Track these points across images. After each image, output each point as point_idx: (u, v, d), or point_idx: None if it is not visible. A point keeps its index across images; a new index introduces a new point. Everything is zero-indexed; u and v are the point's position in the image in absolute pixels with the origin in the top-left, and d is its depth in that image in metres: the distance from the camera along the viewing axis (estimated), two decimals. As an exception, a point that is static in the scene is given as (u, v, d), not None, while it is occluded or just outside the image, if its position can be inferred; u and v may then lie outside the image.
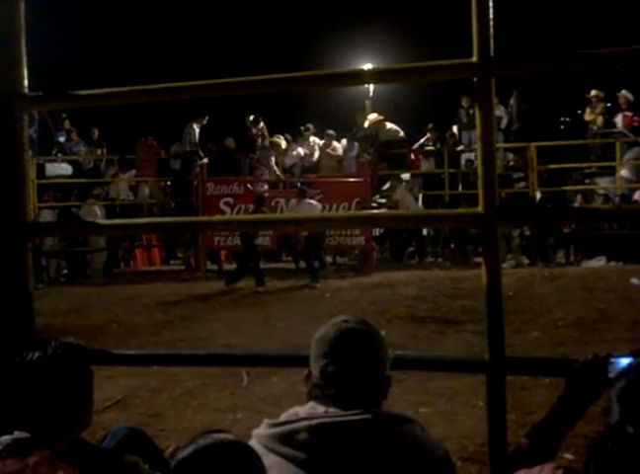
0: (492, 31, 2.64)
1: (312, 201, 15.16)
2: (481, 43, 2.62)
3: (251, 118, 19.13)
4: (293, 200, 16.08)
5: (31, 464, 1.35)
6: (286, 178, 18.41)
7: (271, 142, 18.96)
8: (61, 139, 20.24)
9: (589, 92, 19.04)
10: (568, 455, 4.58)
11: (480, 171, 2.67)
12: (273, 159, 18.67)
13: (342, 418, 2.29)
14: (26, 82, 3.07)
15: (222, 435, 2.04)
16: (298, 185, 16.81)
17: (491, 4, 2.63)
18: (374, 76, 3.31)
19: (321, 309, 11.17)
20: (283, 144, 19.08)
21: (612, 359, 2.33)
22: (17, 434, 2.37)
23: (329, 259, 18.03)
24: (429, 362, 3.16)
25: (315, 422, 2.29)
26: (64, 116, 20.27)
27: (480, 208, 2.65)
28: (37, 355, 2.45)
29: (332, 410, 2.33)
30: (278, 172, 18.54)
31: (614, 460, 1.69)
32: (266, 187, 17.61)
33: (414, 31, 29.29)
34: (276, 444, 2.30)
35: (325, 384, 2.38)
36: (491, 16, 2.63)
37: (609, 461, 1.71)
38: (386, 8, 30.85)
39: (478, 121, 2.68)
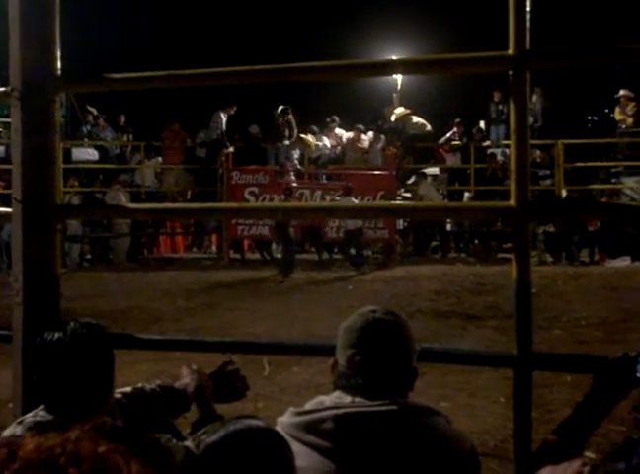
0: (529, 23, 2.61)
1: (355, 200, 15.14)
2: (517, 36, 2.59)
3: (279, 108, 18.66)
4: (338, 198, 16.07)
5: (72, 438, 1.34)
6: (311, 169, 18.34)
7: (301, 138, 18.34)
8: (87, 129, 20.28)
9: (617, 91, 18.88)
10: (589, 454, 4.55)
11: (513, 165, 2.65)
12: (296, 154, 18.33)
13: (368, 408, 2.28)
14: (59, 63, 3.06)
15: (253, 421, 2.02)
16: (323, 178, 16.72)
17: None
18: (407, 67, 3.30)
19: (343, 301, 11.15)
20: (314, 146, 18.56)
21: None
22: (40, 414, 2.39)
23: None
24: (456, 356, 3.14)
25: (341, 411, 2.27)
26: (89, 108, 20.25)
27: (512, 202, 2.63)
28: (57, 335, 2.44)
29: (358, 400, 2.31)
30: (298, 166, 18.20)
31: None
32: (293, 177, 17.60)
33: (441, 21, 29.00)
34: (301, 433, 2.29)
35: (351, 374, 2.36)
36: (528, 8, 2.59)
37: None
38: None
39: (512, 116, 2.65)
